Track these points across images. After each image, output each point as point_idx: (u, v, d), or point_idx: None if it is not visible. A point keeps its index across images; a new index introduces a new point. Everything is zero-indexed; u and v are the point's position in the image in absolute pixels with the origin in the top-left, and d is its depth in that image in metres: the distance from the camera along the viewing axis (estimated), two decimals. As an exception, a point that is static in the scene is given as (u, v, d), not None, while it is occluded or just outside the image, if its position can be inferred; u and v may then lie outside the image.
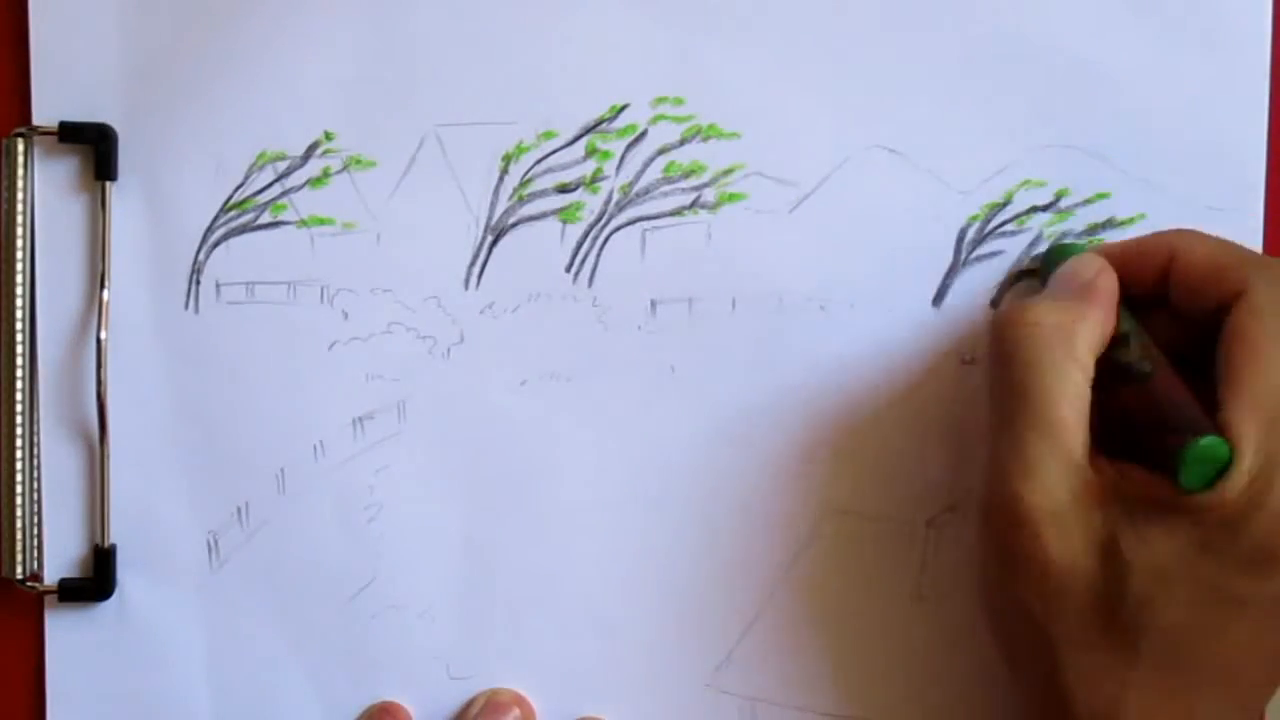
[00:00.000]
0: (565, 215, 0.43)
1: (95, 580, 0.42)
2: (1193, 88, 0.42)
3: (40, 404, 0.42)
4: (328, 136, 0.42)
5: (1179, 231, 0.39)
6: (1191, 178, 0.43)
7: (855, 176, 0.42)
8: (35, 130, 0.41)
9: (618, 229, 0.43)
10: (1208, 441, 0.34)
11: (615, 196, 0.43)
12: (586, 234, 0.43)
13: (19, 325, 0.42)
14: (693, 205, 0.43)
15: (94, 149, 0.41)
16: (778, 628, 0.43)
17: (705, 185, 0.43)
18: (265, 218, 0.42)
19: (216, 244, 0.42)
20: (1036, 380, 0.35)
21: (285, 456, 0.43)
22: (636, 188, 0.43)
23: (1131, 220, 0.43)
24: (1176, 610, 0.34)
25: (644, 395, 0.43)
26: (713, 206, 0.43)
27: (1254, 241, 0.43)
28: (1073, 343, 0.36)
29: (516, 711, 0.42)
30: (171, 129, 0.42)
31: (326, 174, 0.42)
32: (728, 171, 0.42)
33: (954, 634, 0.43)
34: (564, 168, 0.43)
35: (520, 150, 0.42)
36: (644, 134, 0.42)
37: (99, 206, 0.42)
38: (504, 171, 0.42)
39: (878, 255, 0.43)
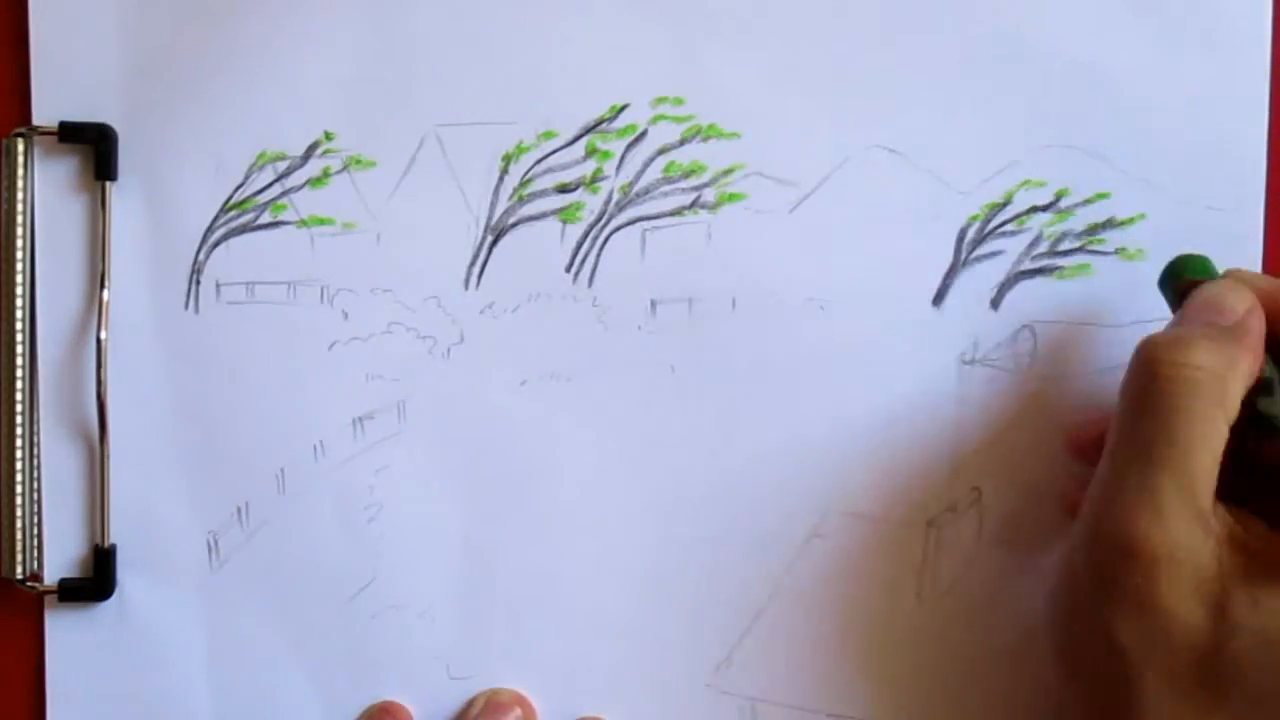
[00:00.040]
0: (565, 215, 0.43)
1: (95, 580, 0.42)
2: (1193, 88, 0.42)
3: (40, 404, 0.42)
4: (328, 136, 0.42)
5: None
6: (1192, 178, 0.43)
7: (855, 176, 0.42)
8: (35, 130, 0.41)
9: (618, 229, 0.43)
10: None
11: (615, 196, 0.43)
12: (586, 234, 0.43)
13: (19, 325, 0.42)
14: (693, 205, 0.43)
15: (94, 149, 0.41)
16: (778, 628, 0.43)
17: (705, 185, 0.43)
18: (265, 218, 0.42)
19: (216, 244, 0.42)
20: (1183, 426, 0.34)
21: (285, 456, 0.43)
22: (636, 188, 0.43)
23: (1131, 220, 0.43)
24: (1275, 679, 0.33)
25: (644, 395, 0.43)
26: (713, 206, 0.43)
27: (1254, 241, 0.43)
28: (1224, 390, 0.35)
29: (518, 711, 0.42)
30: (171, 129, 0.42)
31: (326, 174, 0.42)
32: (728, 171, 0.42)
33: (954, 634, 0.43)
34: (564, 168, 0.43)
35: (520, 150, 0.42)
36: (644, 134, 0.42)
37: (99, 206, 0.42)
38: (504, 171, 0.42)
39: (878, 255, 0.43)
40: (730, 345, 0.43)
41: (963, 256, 0.43)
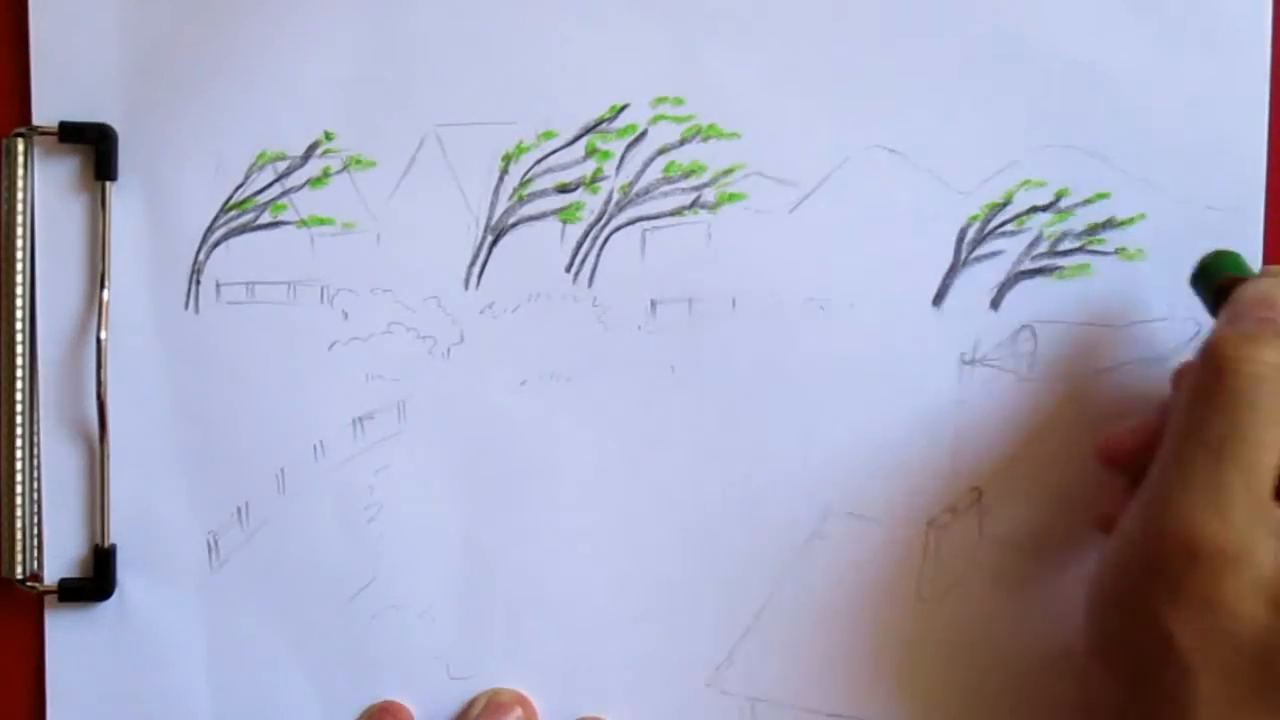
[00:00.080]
0: (565, 215, 0.43)
1: (95, 580, 0.42)
2: (1193, 87, 0.42)
3: (40, 404, 0.42)
4: (328, 136, 0.42)
5: None
6: (1192, 178, 0.43)
7: (855, 176, 0.42)
8: (35, 130, 0.41)
9: (618, 229, 0.43)
10: None
11: (615, 196, 0.43)
12: (586, 234, 0.43)
13: (19, 325, 0.42)
14: (693, 205, 0.43)
15: (94, 149, 0.41)
16: (778, 628, 0.43)
17: (705, 185, 0.43)
18: (265, 218, 0.42)
19: (216, 244, 0.42)
20: (1253, 423, 0.34)
21: (285, 456, 0.43)
22: (636, 188, 0.43)
23: (1131, 220, 0.43)
24: None
25: (644, 395, 0.43)
26: (713, 206, 0.43)
27: (1254, 241, 0.43)
28: None
29: (519, 711, 0.42)
30: (171, 129, 0.42)
31: (326, 174, 0.42)
32: (728, 171, 0.42)
33: (954, 634, 0.43)
34: (564, 168, 0.43)
35: (520, 150, 0.42)
36: (644, 134, 0.42)
37: (99, 206, 0.42)
38: (504, 171, 0.42)
39: (878, 255, 0.43)
40: (730, 345, 0.43)
41: (963, 256, 0.43)
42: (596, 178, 0.43)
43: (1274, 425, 0.34)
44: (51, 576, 0.42)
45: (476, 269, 0.43)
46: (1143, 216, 0.43)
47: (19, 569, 0.42)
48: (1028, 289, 0.43)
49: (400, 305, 0.43)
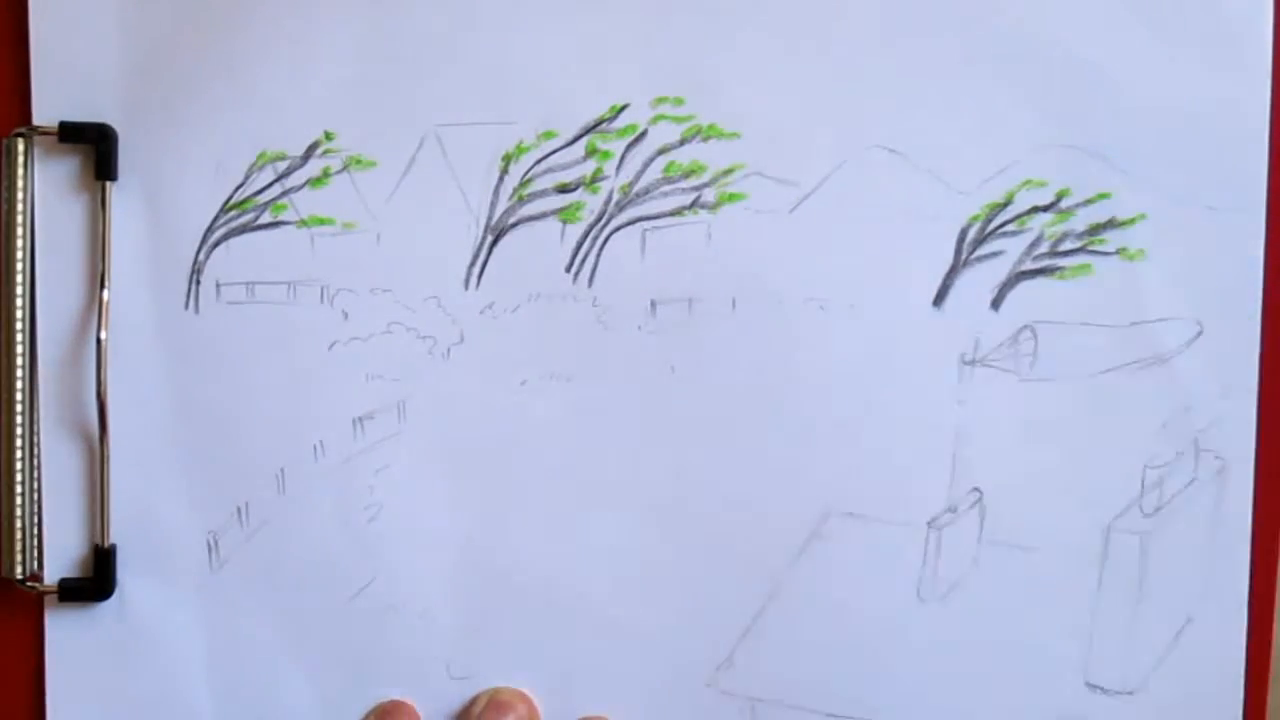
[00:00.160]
0: (565, 215, 0.43)
1: (95, 580, 0.42)
2: (1194, 87, 0.42)
3: (40, 404, 0.42)
4: (328, 136, 0.42)
5: None
6: (1192, 177, 0.42)
7: (855, 176, 0.42)
8: (35, 130, 0.41)
9: (618, 229, 0.43)
10: None
11: (615, 196, 0.43)
12: (586, 234, 0.43)
13: (19, 325, 0.42)
14: (693, 205, 0.43)
15: (94, 149, 0.41)
16: (778, 628, 0.43)
17: (705, 185, 0.42)
18: (265, 218, 0.42)
19: (216, 244, 0.42)
20: None
21: (285, 456, 0.43)
22: (636, 188, 0.43)
23: (1132, 220, 0.43)
24: None
25: (644, 395, 0.43)
26: (713, 206, 0.43)
27: (1255, 241, 0.43)
28: None
29: (521, 708, 0.42)
30: (171, 129, 0.42)
31: (326, 174, 0.42)
32: (728, 171, 0.42)
33: (954, 634, 0.43)
34: (564, 168, 0.42)
35: (520, 150, 0.42)
36: (644, 134, 0.42)
37: (99, 206, 0.42)
38: (504, 171, 0.42)
39: (878, 255, 0.43)
40: (730, 345, 0.43)
41: (963, 257, 0.43)
42: (596, 178, 0.43)
43: None
44: (51, 576, 0.42)
45: (476, 269, 0.43)
46: (1143, 217, 0.43)
47: (19, 569, 0.42)
48: (1028, 289, 0.43)
49: (400, 305, 0.43)
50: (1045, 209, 0.43)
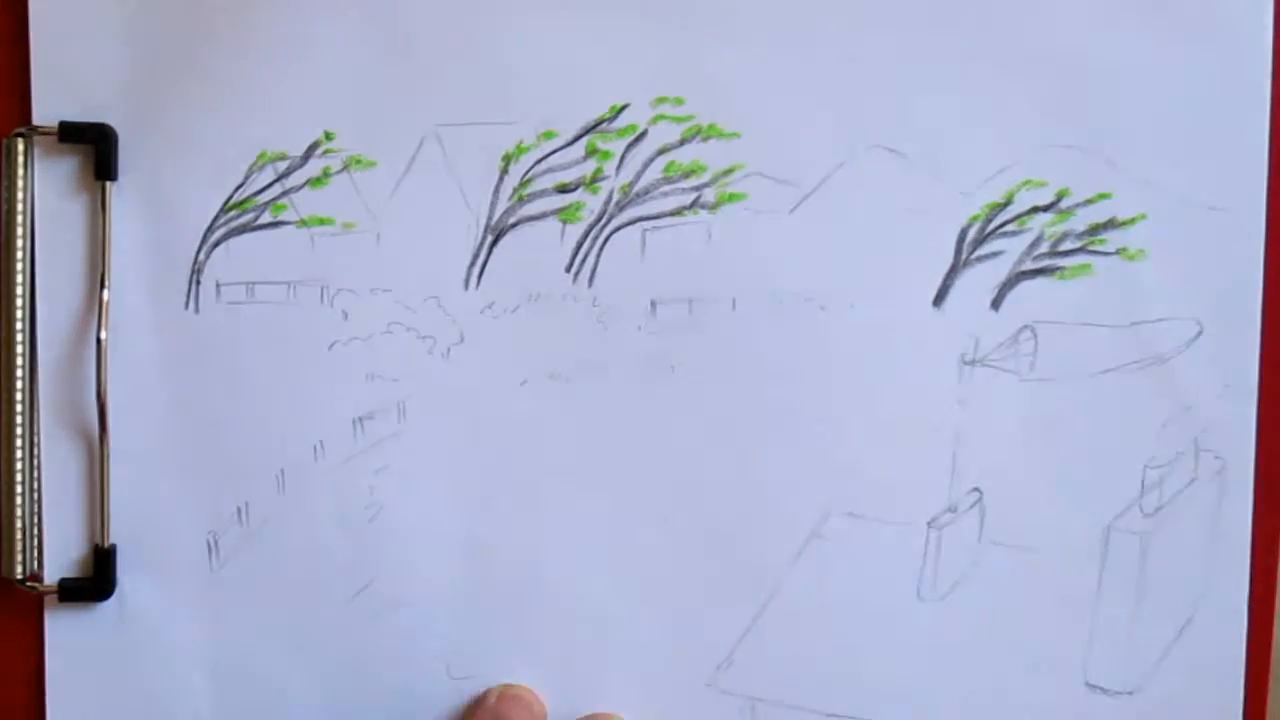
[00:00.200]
0: (565, 215, 0.43)
1: (95, 580, 0.42)
2: (1194, 87, 0.42)
3: (40, 404, 0.42)
4: (328, 136, 0.42)
5: None
6: (1193, 177, 0.42)
7: (855, 176, 0.42)
8: (35, 130, 0.41)
9: (618, 229, 0.43)
10: None
11: (615, 196, 0.43)
12: (586, 234, 0.43)
13: (19, 325, 0.42)
14: (693, 205, 0.43)
15: (94, 149, 0.41)
16: (778, 628, 0.43)
17: (705, 185, 0.42)
18: (265, 218, 0.42)
19: (216, 244, 0.42)
20: None
21: (285, 456, 0.43)
22: (636, 188, 0.43)
23: (1133, 220, 0.43)
24: None
25: (644, 395, 0.43)
26: (713, 206, 0.43)
27: (1255, 241, 0.43)
28: None
29: (535, 703, 0.42)
30: (171, 129, 0.42)
31: (326, 174, 0.42)
32: (728, 171, 0.42)
33: (954, 634, 0.43)
34: (564, 168, 0.42)
35: (520, 150, 0.42)
36: (644, 134, 0.42)
37: (99, 206, 0.42)
38: (504, 171, 0.42)
39: (878, 255, 0.43)
40: (730, 345, 0.43)
41: (963, 256, 0.43)
42: (596, 178, 0.43)
43: None
44: (51, 576, 0.42)
45: (476, 269, 0.43)
46: (1144, 217, 0.43)
47: (19, 569, 0.42)
48: (1028, 289, 0.43)
49: (400, 305, 0.43)
50: (1045, 209, 0.43)
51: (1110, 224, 0.43)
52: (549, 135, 0.42)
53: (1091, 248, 0.43)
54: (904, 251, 0.43)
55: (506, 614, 0.43)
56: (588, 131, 0.42)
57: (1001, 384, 0.43)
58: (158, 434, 0.42)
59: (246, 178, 0.42)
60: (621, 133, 0.42)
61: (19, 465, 0.42)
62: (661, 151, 0.42)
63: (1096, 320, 0.43)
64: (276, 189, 0.42)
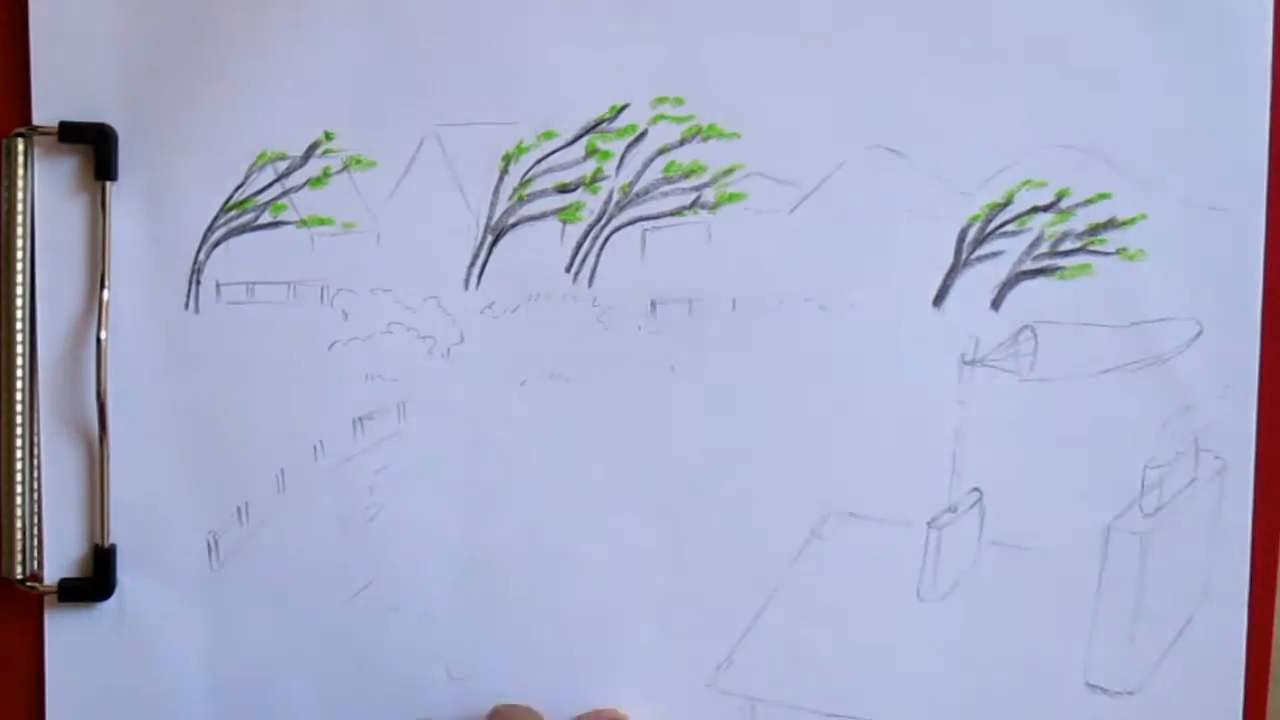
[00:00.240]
0: (565, 215, 0.43)
1: (95, 580, 0.42)
2: (1194, 88, 0.42)
3: (40, 404, 0.42)
4: (328, 136, 0.42)
5: None
6: (1193, 178, 0.42)
7: (855, 176, 0.42)
8: (35, 130, 0.41)
9: (618, 229, 0.43)
10: None
11: (615, 196, 0.43)
12: (586, 234, 0.43)
13: (19, 325, 0.42)
14: (693, 205, 0.43)
15: (94, 149, 0.41)
16: (778, 628, 0.43)
17: (705, 185, 0.42)
18: (265, 218, 0.42)
19: (217, 244, 0.42)
20: None
21: (285, 456, 0.43)
22: (636, 188, 0.43)
23: (1133, 220, 0.43)
24: None
25: (644, 395, 0.43)
26: (713, 206, 0.43)
27: (1255, 241, 0.43)
28: None
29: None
30: (171, 129, 0.42)
31: (326, 174, 0.42)
32: (728, 171, 0.42)
33: (954, 634, 0.43)
34: (564, 168, 0.42)
35: (520, 150, 0.42)
36: (644, 134, 0.42)
37: (99, 206, 0.42)
38: (504, 171, 0.42)
39: (878, 255, 0.43)
40: (730, 345, 0.43)
41: (963, 256, 0.43)
42: (596, 178, 0.43)
43: None
44: (51, 576, 0.42)
45: (476, 269, 0.43)
46: (1144, 217, 0.43)
47: (19, 569, 0.42)
48: (1028, 289, 0.43)
49: (400, 305, 0.43)
50: (1045, 209, 0.43)
51: (1110, 224, 0.43)
52: (549, 135, 0.42)
53: (1091, 248, 0.43)
54: (904, 251, 0.43)
55: (506, 614, 0.43)
56: (588, 131, 0.42)
57: (1001, 384, 0.43)
58: (158, 434, 0.42)
59: (246, 178, 0.42)
60: (621, 133, 0.42)
61: (19, 465, 0.42)
62: (661, 151, 0.42)
63: (1096, 320, 0.43)
64: (276, 189, 0.42)
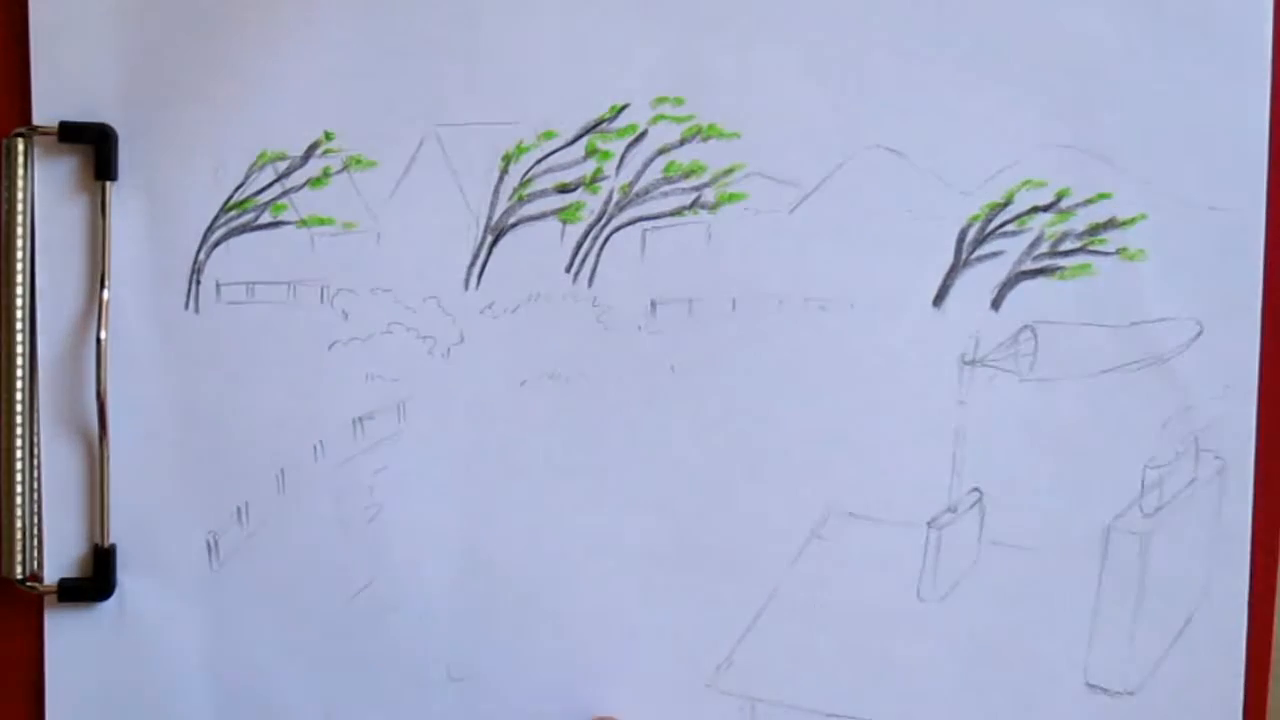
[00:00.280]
0: (565, 215, 0.43)
1: (95, 580, 0.42)
2: (1194, 87, 0.42)
3: (40, 404, 0.42)
4: (328, 136, 0.42)
5: None
6: (1193, 178, 0.42)
7: (855, 176, 0.42)
8: (35, 130, 0.41)
9: (618, 229, 0.43)
10: None
11: (615, 196, 0.43)
12: (586, 234, 0.43)
13: (19, 325, 0.42)
14: (693, 205, 0.43)
15: (94, 149, 0.41)
16: (778, 628, 0.43)
17: (705, 185, 0.42)
18: (265, 218, 0.42)
19: (216, 244, 0.42)
20: None
21: (285, 456, 0.43)
22: (636, 188, 0.43)
23: (1132, 220, 0.43)
24: None
25: (644, 395, 0.43)
26: (713, 206, 0.43)
27: (1255, 241, 0.43)
28: None
29: None
30: (171, 129, 0.42)
31: (326, 174, 0.42)
32: (728, 171, 0.42)
33: (954, 634, 0.43)
34: (564, 168, 0.42)
35: (520, 150, 0.42)
36: (644, 134, 0.42)
37: (99, 206, 0.42)
38: (504, 171, 0.42)
39: (878, 255, 0.43)
40: (730, 345, 0.43)
41: (963, 256, 0.43)
42: (596, 178, 0.43)
43: None
44: (51, 576, 0.42)
45: (476, 269, 0.43)
46: (1144, 217, 0.43)
47: (19, 569, 0.42)
48: (1028, 289, 0.43)
49: (400, 305, 0.43)
50: (1045, 209, 0.43)
51: (1110, 224, 0.43)
52: (549, 135, 0.42)
53: (1091, 248, 0.43)
54: (904, 251, 0.43)
55: (506, 614, 0.43)
56: (588, 131, 0.42)
57: (1001, 384, 0.43)
58: (158, 434, 0.42)
59: (246, 178, 0.42)
60: (621, 133, 0.42)
61: (19, 465, 0.42)
62: (661, 151, 0.42)
63: (1096, 320, 0.43)
64: (276, 189, 0.42)
